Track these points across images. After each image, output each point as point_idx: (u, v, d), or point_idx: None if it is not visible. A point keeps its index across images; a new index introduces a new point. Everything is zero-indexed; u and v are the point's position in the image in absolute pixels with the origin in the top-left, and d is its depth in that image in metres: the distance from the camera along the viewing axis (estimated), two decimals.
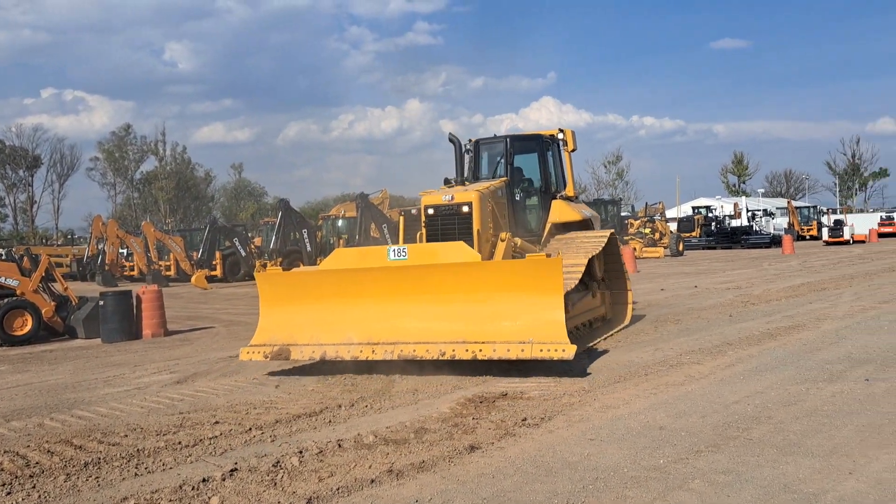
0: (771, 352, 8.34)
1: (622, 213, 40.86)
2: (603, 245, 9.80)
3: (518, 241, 9.58)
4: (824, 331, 9.73)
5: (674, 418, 5.63)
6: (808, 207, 59.35)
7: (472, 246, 8.64)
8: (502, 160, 10.58)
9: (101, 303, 12.15)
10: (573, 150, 11.32)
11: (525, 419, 5.72)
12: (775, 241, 41.35)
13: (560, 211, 10.66)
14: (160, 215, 74.96)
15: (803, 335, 9.43)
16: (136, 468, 4.91)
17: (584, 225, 10.91)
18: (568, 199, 11.00)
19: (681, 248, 35.97)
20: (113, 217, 57.75)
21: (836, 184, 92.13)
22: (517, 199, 10.61)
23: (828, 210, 58.12)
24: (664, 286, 18.19)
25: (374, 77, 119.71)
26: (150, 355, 10.39)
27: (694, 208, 58.17)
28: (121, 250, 34.26)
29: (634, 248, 31.07)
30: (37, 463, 5.11)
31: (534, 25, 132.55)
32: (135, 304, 12.47)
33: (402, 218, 11.20)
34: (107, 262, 31.77)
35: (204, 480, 4.56)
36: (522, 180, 10.88)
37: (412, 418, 5.94)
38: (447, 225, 9.39)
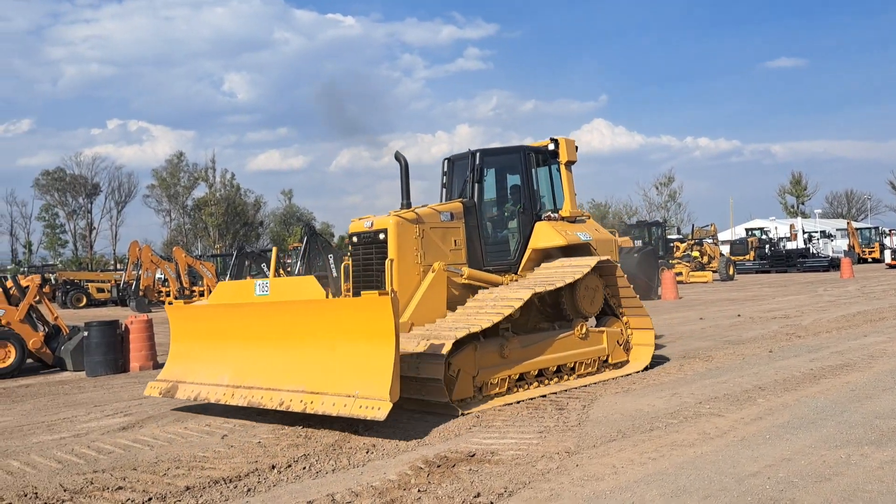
0: (810, 400, 6.99)
1: (670, 237, 39.06)
2: (580, 275, 8.43)
3: (466, 271, 8.40)
4: (877, 372, 8.29)
5: (668, 498, 4.42)
6: (870, 228, 56.11)
7: (389, 278, 7.47)
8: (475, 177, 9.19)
9: (86, 333, 11.45)
10: (570, 163, 9.76)
11: (478, 495, 4.58)
12: (833, 265, 38.94)
13: (541, 235, 9.18)
14: (210, 240, 75.92)
15: (852, 378, 8.01)
16: None
17: (576, 251, 9.32)
18: (564, 219, 9.56)
19: (731, 271, 33.98)
20: (168, 242, 58.55)
21: None
22: (489, 222, 9.33)
23: (891, 231, 54.75)
24: (704, 314, 16.70)
25: (424, 104, 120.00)
26: (120, 393, 9.56)
27: (748, 230, 55.58)
28: (158, 276, 34.24)
29: (679, 273, 29.38)
30: None
31: (585, 48, 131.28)
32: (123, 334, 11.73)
33: (349, 247, 9.87)
34: (142, 287, 31.64)
35: None
36: (507, 200, 9.67)
37: (347, 487, 4.86)
38: (367, 254, 8.30)
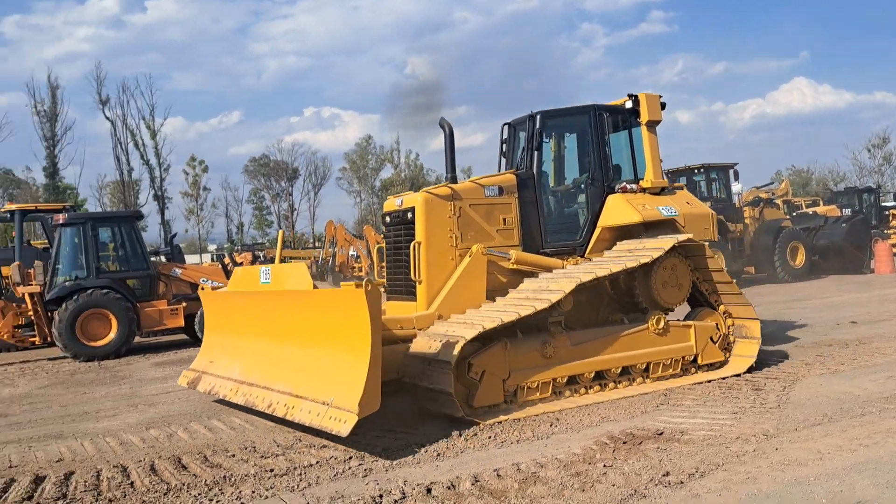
0: None
1: (885, 203, 35.03)
2: (646, 259, 7.03)
3: (513, 254, 7.28)
4: None
5: (882, 489, 4.03)
6: None
7: (414, 263, 6.99)
8: (545, 143, 8.02)
9: None
10: (653, 122, 8.20)
11: (667, 474, 4.46)
12: None
13: (613, 210, 7.81)
14: None
15: None
16: (211, 500, 4.51)
17: (658, 228, 7.80)
18: (646, 191, 8.08)
19: None
20: (359, 221, 62.35)
21: None
22: (551, 196, 8.22)
23: None
24: None
25: (603, 73, 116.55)
26: None
27: None
28: (351, 252, 36.51)
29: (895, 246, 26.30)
30: (130, 483, 4.94)
31: (781, 2, 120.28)
32: None
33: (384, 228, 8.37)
34: (337, 263, 33.92)
35: None
36: (573, 169, 8.57)
37: (531, 458, 4.94)
38: (397, 237, 7.49)
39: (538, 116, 7.84)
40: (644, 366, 7.10)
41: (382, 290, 7.94)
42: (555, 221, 7.97)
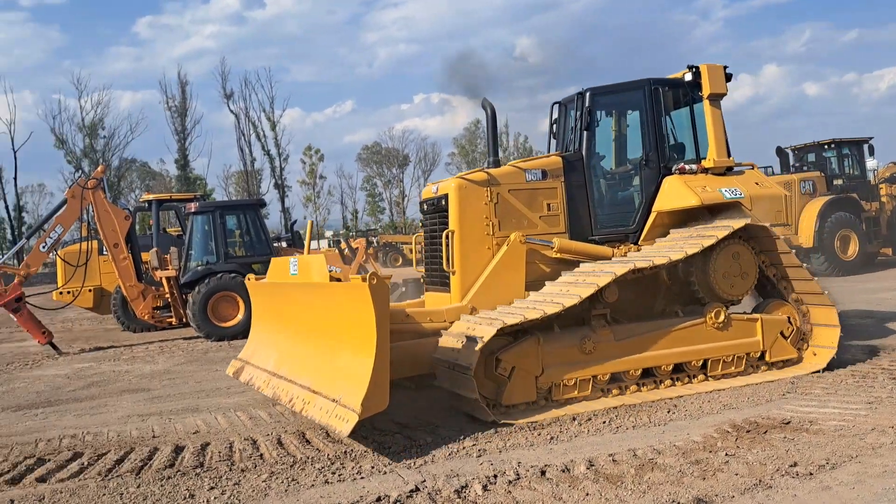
0: None
1: None
2: (695, 249, 6.45)
3: (556, 242, 6.81)
4: None
5: None
6: None
7: (447, 253, 6.71)
8: (594, 123, 7.43)
9: (403, 289, 12.80)
10: (716, 96, 7.42)
11: (795, 464, 4.26)
12: None
13: (668, 193, 7.15)
14: None
15: None
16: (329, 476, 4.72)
17: (722, 212, 7.12)
18: (708, 171, 7.31)
19: None
20: None
21: None
22: (603, 179, 7.57)
23: None
24: None
25: (722, 46, 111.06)
26: None
27: None
28: None
29: None
30: (260, 455, 5.24)
31: None
32: None
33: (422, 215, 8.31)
34: None
35: (379, 499, 4.17)
36: (627, 150, 8.00)
37: (648, 444, 4.85)
38: (433, 225, 7.18)
39: (588, 94, 7.36)
40: (700, 363, 6.55)
41: (421, 280, 7.86)
42: (606, 207, 7.41)
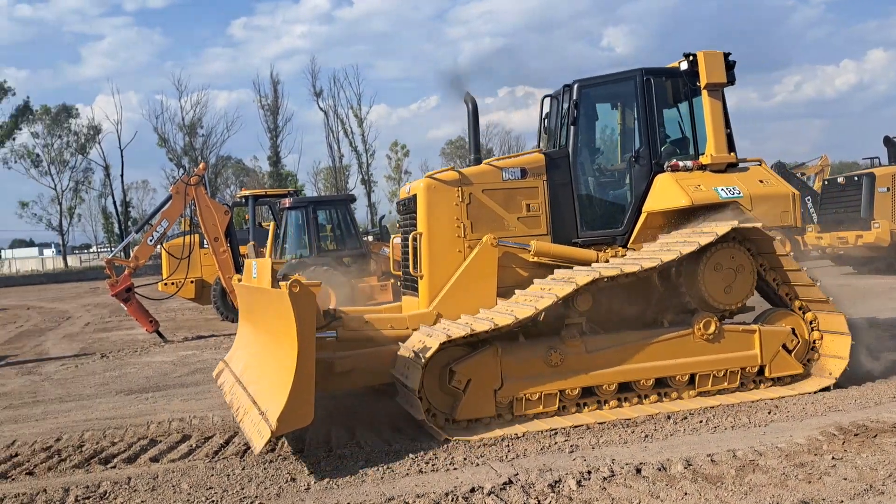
0: None
1: None
2: (671, 256, 5.82)
3: (534, 245, 6.39)
4: None
5: None
6: None
7: (414, 256, 6.44)
8: (575, 117, 6.84)
9: None
10: (715, 86, 6.74)
11: None
12: None
13: (659, 192, 6.58)
14: None
15: None
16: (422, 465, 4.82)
17: (720, 211, 6.42)
18: (706, 168, 6.70)
19: None
20: None
21: None
22: (590, 177, 6.99)
23: None
24: None
25: (823, 30, 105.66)
26: None
27: None
28: None
29: None
30: (357, 443, 5.39)
31: None
32: None
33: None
34: None
35: (472, 490, 4.23)
36: (616, 146, 7.35)
37: (748, 445, 4.71)
38: (406, 225, 6.91)
39: (575, 86, 6.89)
40: (687, 378, 5.98)
41: (399, 283, 7.46)
42: (592, 207, 6.88)
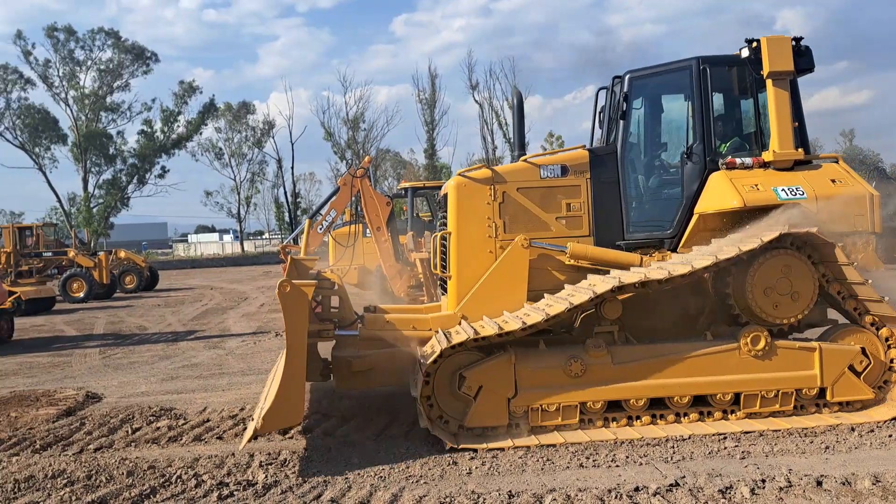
0: None
1: None
2: (706, 261, 5.20)
3: (570, 247, 5.94)
4: None
5: None
6: None
7: (444, 256, 6.12)
8: (632, 111, 6.40)
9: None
10: (781, 74, 5.99)
11: None
12: None
13: (712, 192, 5.94)
14: None
15: None
16: (583, 460, 4.79)
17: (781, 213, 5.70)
18: (769, 165, 5.99)
19: None
20: None
21: None
22: (640, 175, 6.45)
23: None
24: None
25: None
26: None
27: None
28: None
29: None
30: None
31: None
32: None
33: None
34: None
35: (637, 489, 4.15)
36: (669, 141, 6.64)
37: None
38: (441, 223, 6.62)
39: (626, 77, 6.40)
40: (731, 397, 5.38)
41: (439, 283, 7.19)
42: (640, 207, 6.36)
